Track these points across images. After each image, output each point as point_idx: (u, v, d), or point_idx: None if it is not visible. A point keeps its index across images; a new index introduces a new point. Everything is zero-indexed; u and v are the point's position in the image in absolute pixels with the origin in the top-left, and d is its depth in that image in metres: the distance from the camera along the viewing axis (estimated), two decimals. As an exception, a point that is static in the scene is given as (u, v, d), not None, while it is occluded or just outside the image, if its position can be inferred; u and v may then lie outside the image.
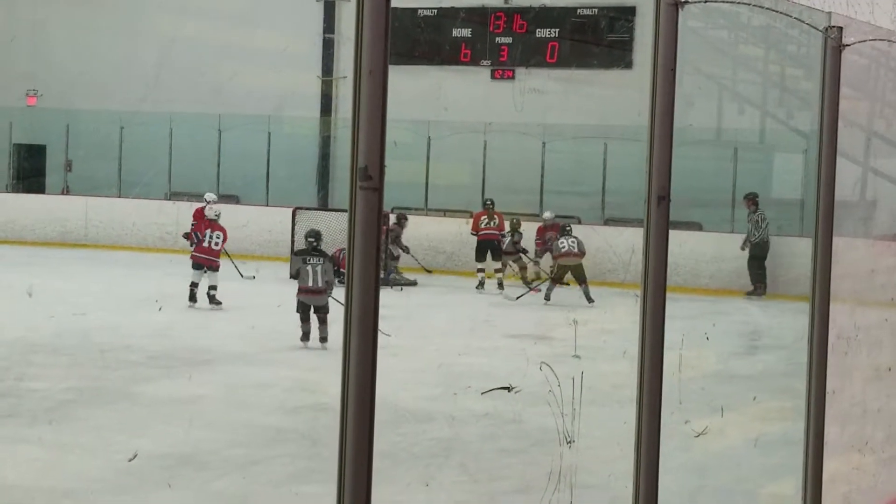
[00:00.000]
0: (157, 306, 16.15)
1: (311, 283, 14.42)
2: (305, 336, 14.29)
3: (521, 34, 25.41)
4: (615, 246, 21.39)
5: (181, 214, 23.21)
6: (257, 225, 23.67)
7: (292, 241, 22.28)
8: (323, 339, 14.25)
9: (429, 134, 24.33)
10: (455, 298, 18.93)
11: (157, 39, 28.32)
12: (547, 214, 22.25)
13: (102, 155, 27.76)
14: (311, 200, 25.70)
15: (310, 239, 15.04)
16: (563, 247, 19.53)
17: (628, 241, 20.61)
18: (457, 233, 22.89)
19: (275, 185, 25.68)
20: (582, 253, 19.52)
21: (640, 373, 4.19)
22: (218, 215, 18.23)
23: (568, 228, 20.20)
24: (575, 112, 24.25)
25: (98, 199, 26.05)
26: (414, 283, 20.86)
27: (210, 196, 19.64)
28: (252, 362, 13.25)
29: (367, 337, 2.94)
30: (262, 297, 19.39)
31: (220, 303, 17.40)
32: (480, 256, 21.15)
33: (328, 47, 27.45)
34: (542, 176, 24.43)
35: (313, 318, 14.34)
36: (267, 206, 25.19)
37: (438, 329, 16.07)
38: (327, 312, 14.31)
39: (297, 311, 14.42)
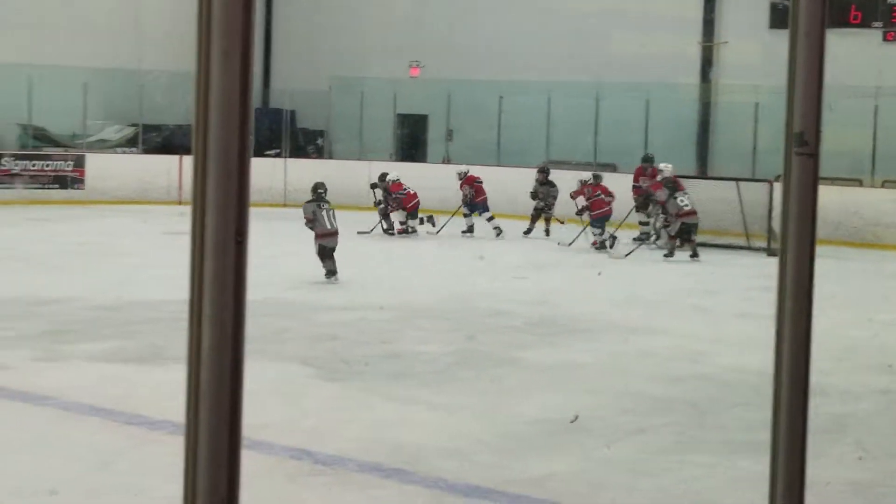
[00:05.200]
0: (595, 272, 16.23)
1: (329, 226, 15.93)
2: (332, 273, 15.83)
3: (917, -7, 24.20)
4: None
5: (558, 181, 23.30)
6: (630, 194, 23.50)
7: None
8: (334, 273, 15.86)
9: (818, 99, 23.47)
10: (839, 267, 18.19)
11: (536, 7, 28.56)
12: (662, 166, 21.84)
13: (482, 124, 28.28)
14: (689, 169, 25.33)
15: (319, 191, 16.41)
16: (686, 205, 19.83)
17: None
18: (841, 202, 22.07)
19: (653, 153, 25.44)
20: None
21: None
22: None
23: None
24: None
25: (477, 167, 26.53)
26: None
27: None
28: (633, 330, 13.11)
29: (801, 302, 2.76)
30: (636, 263, 19.32)
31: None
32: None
33: (709, 11, 26.93)
34: (940, 140, 23.24)
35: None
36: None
37: (829, 299, 15.48)
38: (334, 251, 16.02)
39: (319, 254, 15.90)
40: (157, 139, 29.89)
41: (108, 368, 10.57)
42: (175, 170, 28.06)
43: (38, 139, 29.12)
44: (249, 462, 8.15)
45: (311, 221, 16.01)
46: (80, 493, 7.17)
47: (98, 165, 27.97)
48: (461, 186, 23.61)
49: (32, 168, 27.37)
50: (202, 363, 1.90)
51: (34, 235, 21.13)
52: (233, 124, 1.91)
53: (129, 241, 20.86)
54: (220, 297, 1.91)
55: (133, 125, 29.94)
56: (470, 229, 23.13)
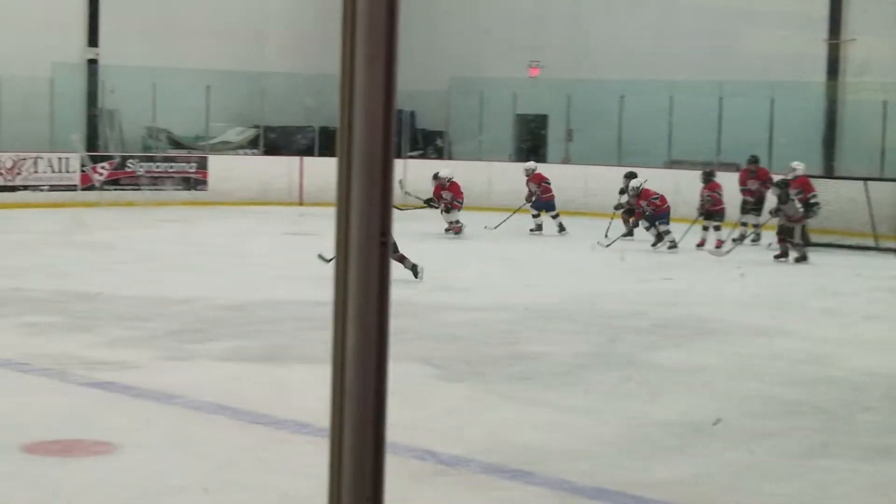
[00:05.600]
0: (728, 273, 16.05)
1: None
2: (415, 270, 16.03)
3: None
4: None
5: (680, 182, 23.09)
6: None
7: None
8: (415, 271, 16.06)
9: None
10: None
11: (658, 5, 28.33)
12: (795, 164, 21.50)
13: (602, 124, 28.08)
14: (815, 168, 24.90)
15: None
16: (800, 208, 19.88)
17: None
18: None
19: (778, 153, 25.06)
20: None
21: None
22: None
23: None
24: None
25: (597, 167, 26.38)
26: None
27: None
28: (760, 332, 12.92)
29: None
30: (762, 266, 19.04)
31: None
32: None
33: (836, 8, 26.46)
34: None
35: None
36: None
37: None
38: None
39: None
40: (280, 140, 30.23)
41: (233, 368, 10.69)
42: (295, 171, 28.34)
43: (163, 141, 29.61)
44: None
45: None
46: (207, 491, 7.24)
47: (220, 167, 28.34)
48: (527, 183, 23.65)
49: (157, 170, 27.83)
50: (347, 364, 1.89)
51: (162, 236, 21.47)
52: (377, 129, 1.91)
53: (251, 242, 21.09)
54: (365, 297, 1.90)
55: (254, 127, 30.30)
56: (538, 227, 23.17)
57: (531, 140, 30.60)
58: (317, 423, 8.47)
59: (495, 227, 23.04)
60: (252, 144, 30.31)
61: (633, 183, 21.54)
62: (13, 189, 26.15)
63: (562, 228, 22.87)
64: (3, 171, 26.05)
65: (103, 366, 10.47)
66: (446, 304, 14.33)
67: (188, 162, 28.30)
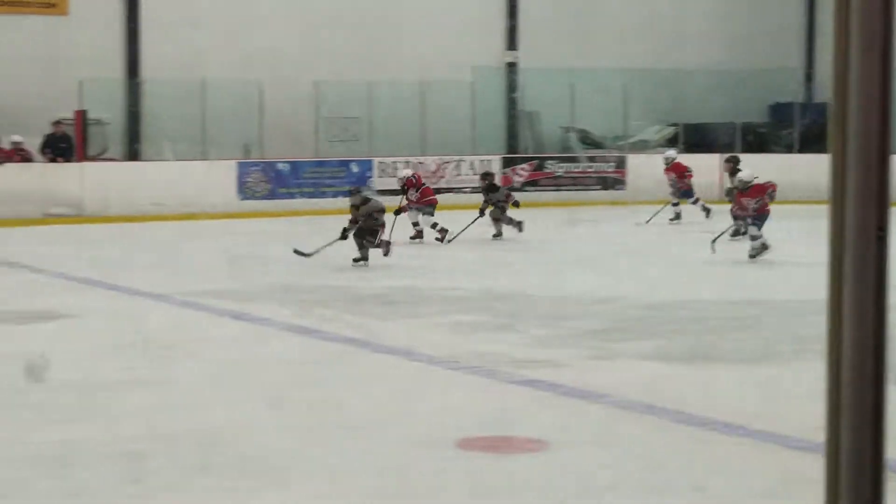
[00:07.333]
0: None
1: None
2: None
3: None
4: None
5: None
6: None
7: None
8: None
9: None
10: None
11: None
12: None
13: None
14: None
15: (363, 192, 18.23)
16: None
17: None
18: None
19: None
20: None
21: None
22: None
23: None
24: None
25: None
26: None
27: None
28: None
29: None
30: None
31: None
32: None
33: None
34: None
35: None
36: None
37: None
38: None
39: (382, 244, 17.50)
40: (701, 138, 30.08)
41: (658, 367, 10.66)
42: (716, 168, 28.07)
43: (582, 142, 30.01)
44: (795, 463, 7.82)
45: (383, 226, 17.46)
46: (635, 490, 7.24)
47: (639, 166, 28.42)
48: (665, 172, 23.35)
49: (575, 170, 28.22)
50: (843, 361, 1.83)
51: (580, 236, 21.76)
52: (873, 119, 1.84)
53: (673, 240, 21.03)
54: (862, 293, 1.83)
55: (673, 125, 30.21)
56: (677, 216, 23.24)
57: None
58: (749, 426, 8.34)
59: (647, 221, 22.91)
60: (671, 142, 30.24)
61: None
62: (436, 191, 27.16)
63: (707, 213, 22.89)
64: (426, 174, 27.10)
65: (529, 364, 10.66)
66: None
67: (606, 161, 28.56)
